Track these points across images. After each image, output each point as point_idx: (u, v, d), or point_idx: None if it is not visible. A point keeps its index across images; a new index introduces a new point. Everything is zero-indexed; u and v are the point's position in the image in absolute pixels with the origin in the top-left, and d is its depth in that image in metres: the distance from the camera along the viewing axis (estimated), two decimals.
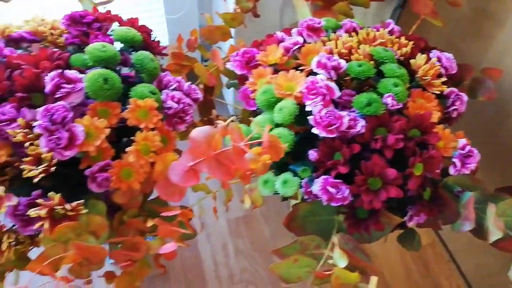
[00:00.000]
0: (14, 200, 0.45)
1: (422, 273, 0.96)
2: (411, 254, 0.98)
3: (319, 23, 0.60)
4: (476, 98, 0.65)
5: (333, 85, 0.51)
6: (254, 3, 0.76)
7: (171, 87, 0.57)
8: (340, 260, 0.46)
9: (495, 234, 0.45)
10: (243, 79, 0.67)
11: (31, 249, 0.50)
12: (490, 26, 0.74)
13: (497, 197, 0.51)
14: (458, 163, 0.51)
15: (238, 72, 0.60)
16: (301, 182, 0.52)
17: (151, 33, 0.64)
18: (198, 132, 0.44)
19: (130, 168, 0.50)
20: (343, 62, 0.54)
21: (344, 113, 0.49)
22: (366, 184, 0.49)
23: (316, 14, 0.74)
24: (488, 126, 0.80)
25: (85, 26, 0.57)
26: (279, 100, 0.53)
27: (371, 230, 0.51)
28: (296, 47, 0.57)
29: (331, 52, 0.57)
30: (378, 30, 0.62)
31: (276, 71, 0.58)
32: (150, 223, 0.50)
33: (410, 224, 0.55)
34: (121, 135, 0.54)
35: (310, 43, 0.60)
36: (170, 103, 0.54)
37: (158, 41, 0.64)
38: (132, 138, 0.51)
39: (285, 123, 0.51)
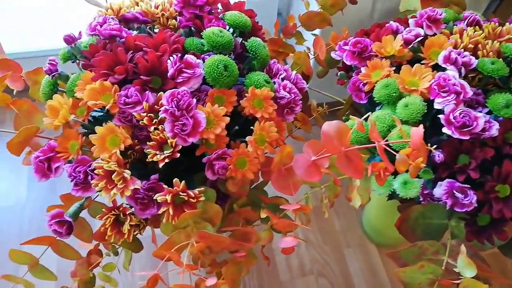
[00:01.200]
0: (138, 184, 0.45)
1: None
2: None
3: (440, 14, 0.56)
4: None
5: (465, 83, 0.48)
6: None
7: (281, 76, 0.56)
8: (468, 269, 0.43)
9: None
10: (345, 68, 0.65)
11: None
12: None
13: None
14: None
15: (348, 62, 0.58)
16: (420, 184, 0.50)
17: (256, 17, 0.63)
18: (330, 126, 0.42)
19: (245, 158, 0.49)
20: (473, 59, 0.50)
21: (479, 114, 0.46)
22: (496, 191, 0.46)
23: (424, 3, 0.69)
24: None
25: (198, 9, 0.56)
26: (401, 95, 0.50)
27: (494, 239, 0.48)
28: (418, 39, 0.54)
29: (456, 46, 0.53)
30: (499, 24, 0.58)
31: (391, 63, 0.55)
32: (263, 215, 0.49)
33: None
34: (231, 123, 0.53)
35: (429, 35, 0.56)
36: (283, 92, 0.53)
37: (261, 26, 0.62)
38: (247, 127, 0.50)
39: (410, 121, 0.48)
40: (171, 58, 0.49)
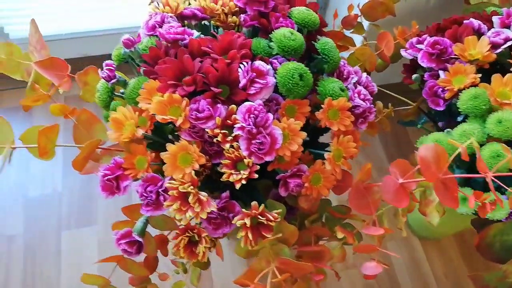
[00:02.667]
0: (213, 206, 0.42)
1: None
2: None
3: None
4: None
5: None
6: None
7: (353, 80, 0.52)
8: None
9: None
10: (413, 66, 0.60)
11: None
12: None
13: None
14: None
15: (425, 64, 0.53)
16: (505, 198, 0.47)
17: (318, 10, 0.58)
18: (427, 150, 0.39)
19: (320, 174, 0.46)
20: None
21: None
22: None
23: None
24: None
25: (262, 5, 0.51)
26: (491, 108, 0.46)
27: None
28: (508, 43, 0.49)
29: None
30: None
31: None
32: (340, 235, 0.46)
33: None
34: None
35: None
36: (358, 101, 0.49)
37: (325, 22, 0.57)
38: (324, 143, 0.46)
39: (503, 138, 0.44)
40: (241, 66, 0.45)
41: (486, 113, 0.46)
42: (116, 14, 1.02)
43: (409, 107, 0.61)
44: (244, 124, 0.42)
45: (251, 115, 0.42)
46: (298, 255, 0.48)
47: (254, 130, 0.42)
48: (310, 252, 0.48)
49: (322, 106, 0.46)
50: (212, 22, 0.54)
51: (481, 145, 0.46)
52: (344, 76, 0.52)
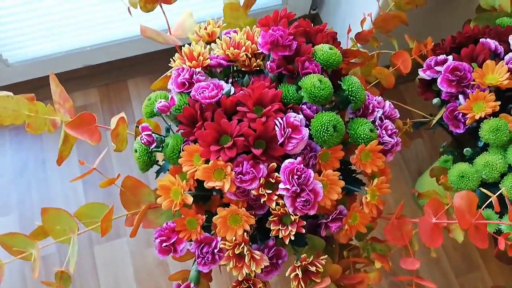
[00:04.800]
0: (266, 260, 0.46)
1: None
2: None
3: None
4: None
5: None
6: None
7: (378, 114, 0.54)
8: None
9: None
10: (427, 83, 0.62)
11: None
12: None
13: None
14: None
15: (445, 89, 0.55)
16: None
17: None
18: (461, 199, 0.42)
19: (357, 214, 0.50)
20: None
21: None
22: None
23: None
24: None
25: (286, 49, 0.51)
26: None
27: None
28: None
29: None
30: None
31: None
32: (378, 265, 0.51)
33: None
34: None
35: None
36: (386, 138, 0.51)
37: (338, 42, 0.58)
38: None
39: None
40: (277, 123, 0.46)
41: (508, 143, 0.50)
42: (110, 28, 0.99)
43: (427, 119, 0.64)
44: (288, 186, 0.44)
45: (295, 176, 0.45)
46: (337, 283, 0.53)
47: (298, 190, 0.45)
48: (352, 282, 0.53)
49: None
50: (236, 65, 0.55)
51: (502, 175, 0.49)
52: (370, 111, 0.54)
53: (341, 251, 0.55)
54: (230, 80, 0.58)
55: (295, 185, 0.44)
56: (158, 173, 0.56)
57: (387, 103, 0.56)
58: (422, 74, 0.58)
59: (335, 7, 1.02)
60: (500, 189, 0.49)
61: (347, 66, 0.66)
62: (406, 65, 0.61)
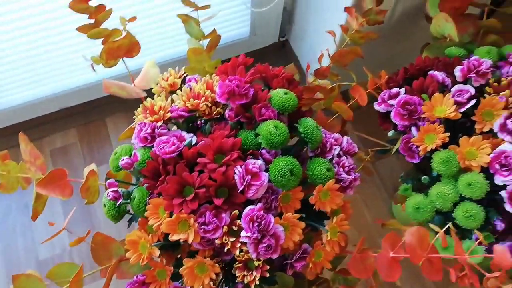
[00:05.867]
0: None
1: None
2: None
3: (488, 69, 0.55)
4: None
5: None
6: (384, 14, 0.69)
7: (336, 152, 0.56)
8: None
9: None
10: (384, 115, 0.64)
11: None
12: None
13: None
14: None
15: (398, 122, 0.58)
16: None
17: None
18: (412, 235, 0.45)
19: (321, 251, 0.52)
20: None
21: None
22: None
23: (459, 30, 0.66)
24: None
25: (243, 98, 0.54)
26: (462, 169, 0.52)
27: None
28: (472, 103, 0.54)
29: (507, 105, 0.53)
30: None
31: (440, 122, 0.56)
32: None
33: None
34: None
35: (476, 87, 0.56)
36: (344, 176, 0.54)
37: (297, 82, 0.61)
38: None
39: (474, 198, 0.51)
40: (236, 172, 0.49)
41: (458, 173, 0.52)
42: (84, 72, 1.01)
43: (387, 148, 0.67)
44: (249, 234, 0.46)
45: (255, 223, 0.47)
46: None
47: (260, 236, 0.47)
48: None
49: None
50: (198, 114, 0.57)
51: (455, 204, 0.52)
52: (328, 149, 0.56)
53: (311, 285, 0.57)
54: (198, 123, 0.60)
55: (256, 232, 0.46)
56: (130, 222, 0.57)
57: (345, 139, 0.58)
58: (377, 107, 0.61)
59: (302, 34, 1.06)
60: (454, 218, 0.51)
61: (309, 101, 0.69)
62: (363, 98, 0.63)
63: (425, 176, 0.58)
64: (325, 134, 0.57)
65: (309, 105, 0.69)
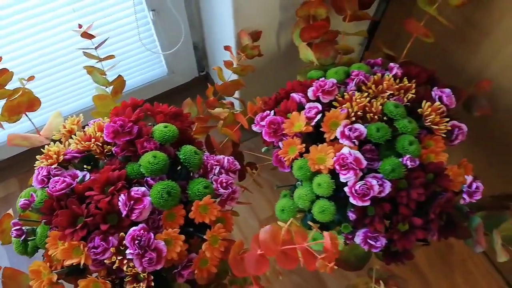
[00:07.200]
0: None
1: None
2: None
3: (332, 87, 0.66)
4: (471, 113, 0.74)
5: (359, 155, 0.60)
6: (258, 49, 0.80)
7: (216, 171, 0.65)
8: None
9: (501, 258, 0.58)
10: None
11: None
12: (476, 35, 0.80)
13: (501, 215, 0.64)
14: (467, 198, 0.62)
15: (268, 139, 0.68)
16: (343, 235, 0.63)
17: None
18: (265, 232, 0.54)
19: (206, 258, 0.60)
20: (363, 129, 0.62)
21: (374, 181, 0.59)
22: (398, 231, 0.60)
23: (316, 50, 0.79)
24: (481, 122, 0.89)
25: (128, 134, 0.63)
26: (314, 173, 0.62)
27: (405, 261, 0.64)
28: (318, 117, 0.64)
29: (348, 115, 0.64)
30: (380, 71, 0.69)
31: (300, 134, 0.66)
32: None
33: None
34: (187, 225, 0.63)
35: (325, 102, 0.67)
36: (221, 190, 0.63)
37: (186, 114, 0.70)
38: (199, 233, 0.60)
39: (325, 195, 0.60)
40: (120, 199, 0.57)
41: (313, 176, 0.62)
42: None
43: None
44: (131, 251, 0.54)
45: (136, 241, 0.55)
46: None
47: (141, 251, 0.55)
48: None
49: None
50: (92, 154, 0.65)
51: (312, 202, 0.62)
52: (209, 169, 0.66)
53: None
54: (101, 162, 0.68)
55: (137, 248, 0.55)
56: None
57: (226, 159, 0.68)
58: (254, 128, 0.71)
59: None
60: (312, 215, 0.61)
61: (203, 129, 0.79)
62: (244, 123, 0.74)
63: (298, 182, 0.68)
64: (206, 157, 0.67)
65: (204, 132, 0.79)
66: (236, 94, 1.02)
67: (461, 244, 1.14)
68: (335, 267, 0.52)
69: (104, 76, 0.82)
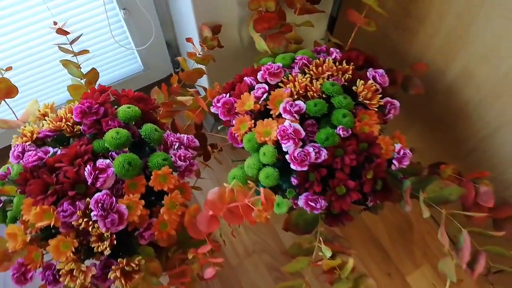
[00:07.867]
0: (93, 270, 0.63)
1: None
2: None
3: (277, 69, 0.74)
4: (408, 92, 0.83)
5: (298, 127, 0.68)
6: (217, 40, 0.88)
7: (176, 146, 0.73)
8: (327, 252, 0.67)
9: (425, 214, 0.66)
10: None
11: None
12: (413, 23, 0.89)
13: (428, 179, 0.72)
14: (397, 164, 0.70)
15: (223, 118, 0.76)
16: (289, 200, 0.71)
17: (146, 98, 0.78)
18: (213, 194, 0.61)
19: (165, 222, 0.68)
20: (302, 105, 0.70)
21: (311, 149, 0.67)
22: (336, 194, 0.68)
23: (270, 40, 0.87)
24: (422, 101, 0.98)
25: (94, 115, 0.70)
26: (261, 144, 0.70)
27: (345, 222, 0.72)
28: (265, 96, 0.72)
29: (291, 94, 0.72)
30: (323, 56, 0.78)
31: (252, 112, 0.74)
32: (190, 255, 0.69)
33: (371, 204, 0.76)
34: (149, 194, 0.71)
35: (273, 84, 0.75)
36: (179, 163, 0.71)
37: (151, 99, 0.78)
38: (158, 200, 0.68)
39: (269, 163, 0.68)
40: (86, 169, 0.65)
41: (259, 148, 0.70)
42: None
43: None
44: (95, 213, 0.62)
45: (99, 204, 0.62)
46: (170, 278, 0.70)
47: (104, 213, 0.62)
48: (176, 273, 0.70)
49: None
50: (63, 133, 0.73)
51: (259, 170, 0.69)
52: (169, 145, 0.73)
53: (169, 253, 0.72)
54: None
55: (100, 210, 0.62)
56: None
57: (185, 137, 0.76)
58: (212, 110, 0.79)
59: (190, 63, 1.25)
60: (259, 181, 0.69)
61: (169, 114, 0.87)
62: (204, 105, 0.81)
63: (250, 157, 0.76)
64: (167, 135, 0.74)
65: (169, 117, 0.87)
66: (205, 83, 1.10)
67: (420, 223, 1.22)
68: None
69: (79, 69, 0.90)
